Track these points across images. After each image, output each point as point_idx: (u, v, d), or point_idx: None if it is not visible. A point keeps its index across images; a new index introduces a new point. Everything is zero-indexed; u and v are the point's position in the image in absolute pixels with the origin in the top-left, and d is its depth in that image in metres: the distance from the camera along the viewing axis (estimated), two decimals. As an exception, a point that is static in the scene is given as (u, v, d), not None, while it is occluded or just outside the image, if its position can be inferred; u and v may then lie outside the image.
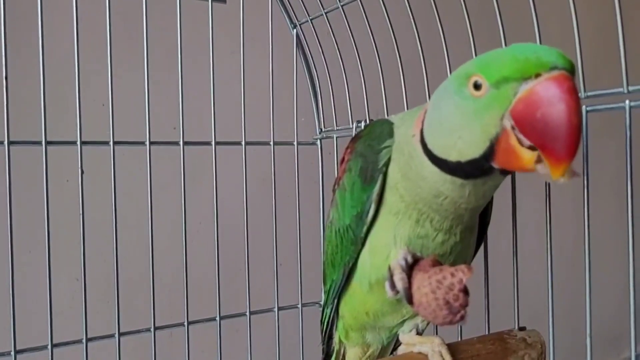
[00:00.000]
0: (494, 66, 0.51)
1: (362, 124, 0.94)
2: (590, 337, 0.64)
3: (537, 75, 0.49)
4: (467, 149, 0.54)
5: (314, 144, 1.09)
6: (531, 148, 0.50)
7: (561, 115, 0.47)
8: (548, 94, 0.48)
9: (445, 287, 0.53)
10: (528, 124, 0.49)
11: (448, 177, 0.57)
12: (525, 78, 0.49)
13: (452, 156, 0.55)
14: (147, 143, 0.88)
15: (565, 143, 0.47)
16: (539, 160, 0.50)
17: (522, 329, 0.71)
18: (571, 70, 0.49)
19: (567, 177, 0.49)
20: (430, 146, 0.58)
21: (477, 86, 0.52)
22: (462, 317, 0.53)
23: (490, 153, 0.52)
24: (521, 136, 0.50)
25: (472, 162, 0.54)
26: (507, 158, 0.52)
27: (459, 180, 0.57)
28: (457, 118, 0.54)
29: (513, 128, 0.50)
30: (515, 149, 0.50)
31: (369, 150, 0.65)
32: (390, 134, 0.64)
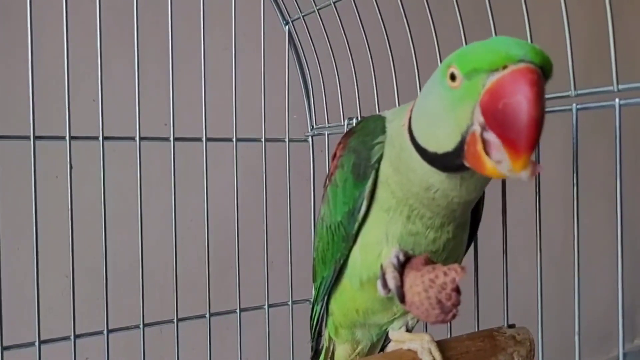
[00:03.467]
0: (466, 58, 0.52)
1: (354, 121, 0.94)
2: (579, 335, 0.64)
3: (505, 67, 0.49)
4: (442, 140, 0.54)
5: (305, 140, 1.09)
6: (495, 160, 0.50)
7: (521, 106, 0.47)
8: (510, 85, 0.48)
9: (438, 286, 0.53)
10: (491, 114, 0.49)
11: (434, 168, 0.57)
12: (493, 70, 0.49)
13: (431, 147, 0.56)
14: (137, 139, 0.87)
15: (524, 135, 0.47)
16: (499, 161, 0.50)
17: (511, 326, 0.72)
18: (542, 64, 0.49)
19: (530, 173, 0.49)
20: (415, 135, 0.58)
21: (453, 77, 0.52)
22: (454, 316, 0.54)
23: (461, 149, 0.52)
24: (489, 136, 0.50)
25: (446, 155, 0.54)
26: (474, 161, 0.52)
27: (444, 172, 0.57)
28: (437, 108, 0.55)
29: (483, 128, 0.50)
30: (480, 155, 0.50)
31: (361, 146, 0.65)
32: (383, 130, 0.64)
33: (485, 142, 0.50)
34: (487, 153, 0.50)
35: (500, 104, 0.48)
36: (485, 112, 0.50)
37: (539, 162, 0.68)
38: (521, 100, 0.47)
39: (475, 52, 0.52)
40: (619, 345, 0.62)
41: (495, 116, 0.49)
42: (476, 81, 0.50)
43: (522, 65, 0.48)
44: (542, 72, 0.49)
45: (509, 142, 0.48)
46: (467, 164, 0.53)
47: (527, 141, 0.47)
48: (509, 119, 0.47)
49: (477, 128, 0.51)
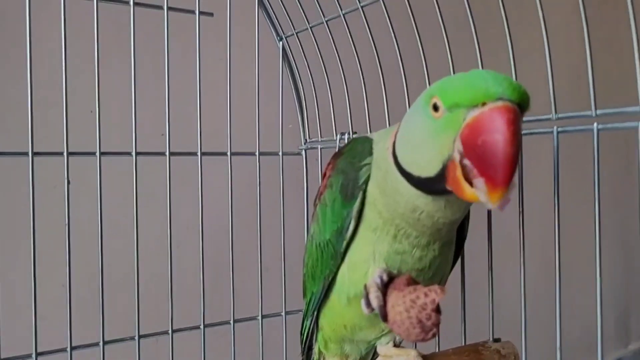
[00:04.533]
0: (448, 91, 0.54)
1: (346, 136, 0.95)
2: (560, 351, 0.66)
3: (484, 104, 0.51)
4: (425, 166, 0.56)
5: (299, 154, 1.10)
6: (472, 184, 0.52)
7: (498, 144, 0.49)
8: (488, 123, 0.50)
9: (419, 306, 0.55)
10: (471, 149, 0.51)
11: (420, 191, 0.59)
12: (474, 105, 0.52)
13: (415, 172, 0.58)
14: (134, 154, 0.88)
15: (500, 171, 0.49)
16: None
17: (496, 340, 0.73)
18: (520, 101, 0.51)
19: (499, 206, 0.51)
20: (399, 159, 0.60)
21: (436, 108, 0.55)
22: (434, 335, 0.55)
23: (442, 175, 0.55)
24: (467, 163, 0.52)
25: (429, 180, 0.56)
26: (454, 186, 0.54)
27: (429, 195, 0.59)
28: (420, 135, 0.57)
29: (461, 155, 0.52)
30: (460, 181, 0.53)
31: (349, 167, 0.67)
32: (370, 152, 0.66)
33: (464, 168, 0.52)
34: (467, 179, 0.52)
35: (479, 140, 0.50)
36: (465, 145, 0.52)
37: (521, 180, 0.70)
38: (498, 139, 0.49)
39: (457, 86, 0.54)
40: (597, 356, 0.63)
41: (475, 150, 0.51)
42: (457, 114, 0.53)
43: (500, 103, 0.51)
44: (520, 106, 0.51)
45: (486, 176, 0.50)
46: (449, 188, 0.55)
47: (504, 176, 0.49)
48: (487, 155, 0.50)
49: (456, 155, 0.53)
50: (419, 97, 0.60)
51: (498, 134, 0.49)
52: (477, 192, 0.51)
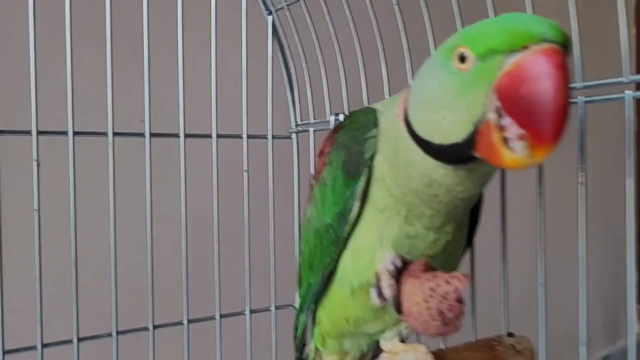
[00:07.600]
0: (480, 37, 0.47)
1: (341, 116, 0.89)
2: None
3: (526, 48, 0.45)
4: (450, 130, 0.49)
5: (289, 137, 1.05)
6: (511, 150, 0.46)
7: (547, 92, 0.43)
8: (535, 68, 0.44)
9: (439, 295, 0.49)
10: (512, 100, 0.45)
11: (438, 161, 0.52)
12: (513, 50, 0.45)
13: (436, 138, 0.51)
14: (110, 134, 0.82)
15: (549, 123, 0.43)
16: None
17: (510, 335, 0.68)
18: (565, 44, 0.45)
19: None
20: (414, 126, 0.53)
21: (462, 59, 0.48)
22: (456, 329, 0.49)
23: (472, 140, 0.48)
24: (505, 122, 0.46)
25: (454, 147, 0.50)
26: (488, 153, 0.48)
27: (450, 165, 0.52)
28: (442, 94, 0.50)
29: (499, 114, 0.46)
30: (497, 147, 0.46)
31: (352, 141, 0.60)
32: (375, 123, 0.59)
33: (501, 130, 0.46)
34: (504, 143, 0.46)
35: (523, 89, 0.44)
36: (504, 97, 0.45)
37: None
38: (547, 85, 0.43)
39: (490, 30, 0.47)
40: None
41: (517, 102, 0.44)
42: (492, 63, 0.46)
43: (545, 45, 0.44)
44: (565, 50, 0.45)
45: (532, 130, 0.44)
46: (477, 155, 0.49)
47: (554, 130, 0.43)
48: (534, 105, 0.43)
49: (491, 116, 0.46)
50: (433, 55, 0.53)
51: (547, 80, 0.43)
52: (517, 155, 0.45)
